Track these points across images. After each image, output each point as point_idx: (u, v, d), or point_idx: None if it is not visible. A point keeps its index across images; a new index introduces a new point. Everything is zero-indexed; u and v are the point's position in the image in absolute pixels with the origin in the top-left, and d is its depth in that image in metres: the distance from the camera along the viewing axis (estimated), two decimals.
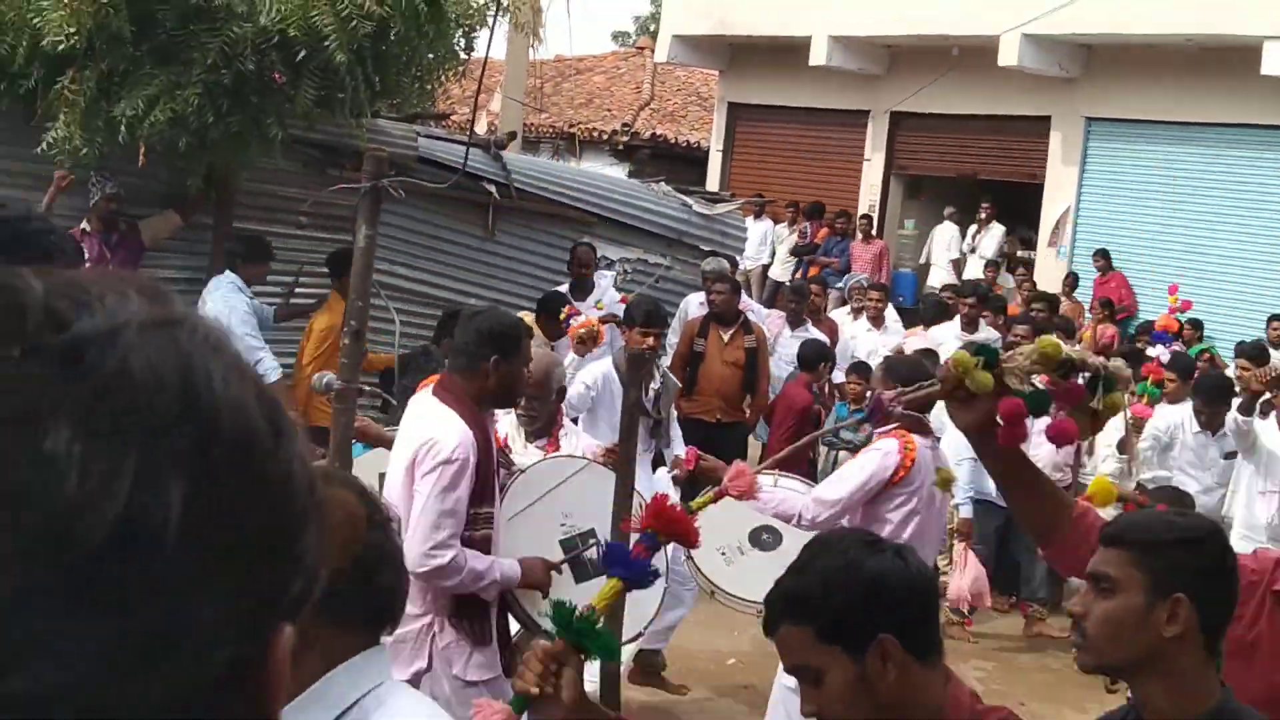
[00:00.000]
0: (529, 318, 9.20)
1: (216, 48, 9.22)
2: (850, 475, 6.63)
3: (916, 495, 6.48)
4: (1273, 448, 9.11)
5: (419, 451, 4.85)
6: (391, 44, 9.85)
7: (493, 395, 5.16)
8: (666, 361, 9.78)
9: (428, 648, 4.96)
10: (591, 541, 5.47)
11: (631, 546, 3.12)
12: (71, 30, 8.88)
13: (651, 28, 31.35)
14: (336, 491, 2.68)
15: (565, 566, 5.38)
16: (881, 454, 6.47)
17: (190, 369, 0.80)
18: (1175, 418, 10.19)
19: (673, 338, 12.28)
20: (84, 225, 9.98)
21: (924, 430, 6.68)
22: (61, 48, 9.04)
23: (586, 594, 5.23)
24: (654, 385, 8.26)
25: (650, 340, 8.62)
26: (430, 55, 10.54)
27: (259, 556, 0.81)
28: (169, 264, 10.89)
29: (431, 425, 4.97)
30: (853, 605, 2.49)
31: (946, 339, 12.48)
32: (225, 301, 9.94)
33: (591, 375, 8.67)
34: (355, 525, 2.38)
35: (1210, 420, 9.87)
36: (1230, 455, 9.75)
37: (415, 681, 4.86)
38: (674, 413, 8.95)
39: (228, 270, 10.37)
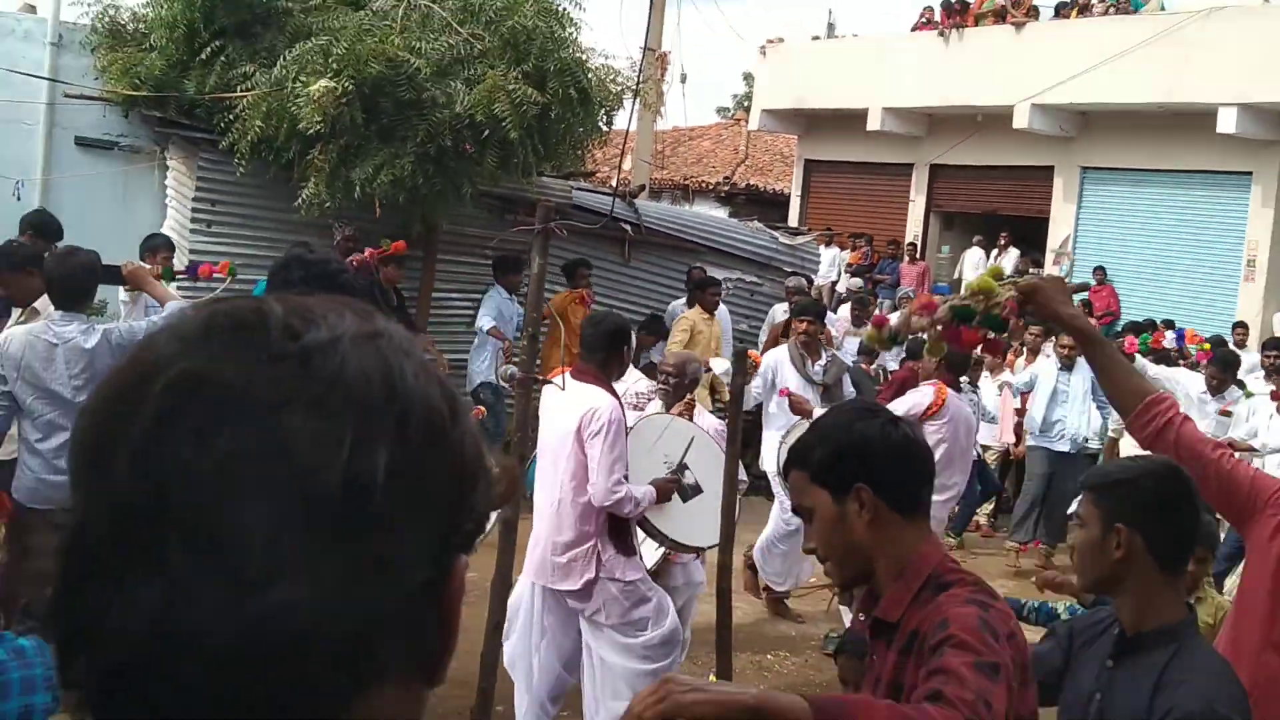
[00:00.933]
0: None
1: (424, 129, 9.43)
2: (896, 407, 6.79)
3: (946, 429, 6.78)
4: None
5: (584, 419, 4.96)
6: (552, 122, 9.98)
7: (615, 375, 5.40)
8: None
9: (594, 562, 5.08)
10: (687, 473, 5.56)
11: None
12: (318, 119, 9.13)
13: (746, 104, 31.24)
14: (501, 457, 2.88)
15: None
16: (919, 394, 6.77)
17: (389, 369, 0.83)
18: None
19: (762, 336, 12.38)
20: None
21: (957, 385, 7.04)
22: (311, 130, 9.30)
23: (688, 511, 5.42)
24: (821, 361, 8.33)
25: (805, 326, 8.52)
26: (580, 129, 10.67)
27: (443, 504, 0.84)
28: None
29: (587, 399, 5.07)
30: (838, 455, 2.39)
31: None
32: (487, 303, 10.71)
33: (764, 362, 8.57)
34: (514, 481, 2.41)
35: (1218, 387, 9.75)
36: (1224, 414, 9.54)
37: (588, 589, 5.07)
38: (845, 382, 8.73)
39: (495, 283, 10.87)
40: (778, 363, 8.45)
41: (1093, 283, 17.65)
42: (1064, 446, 10.25)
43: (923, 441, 2.55)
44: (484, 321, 10.68)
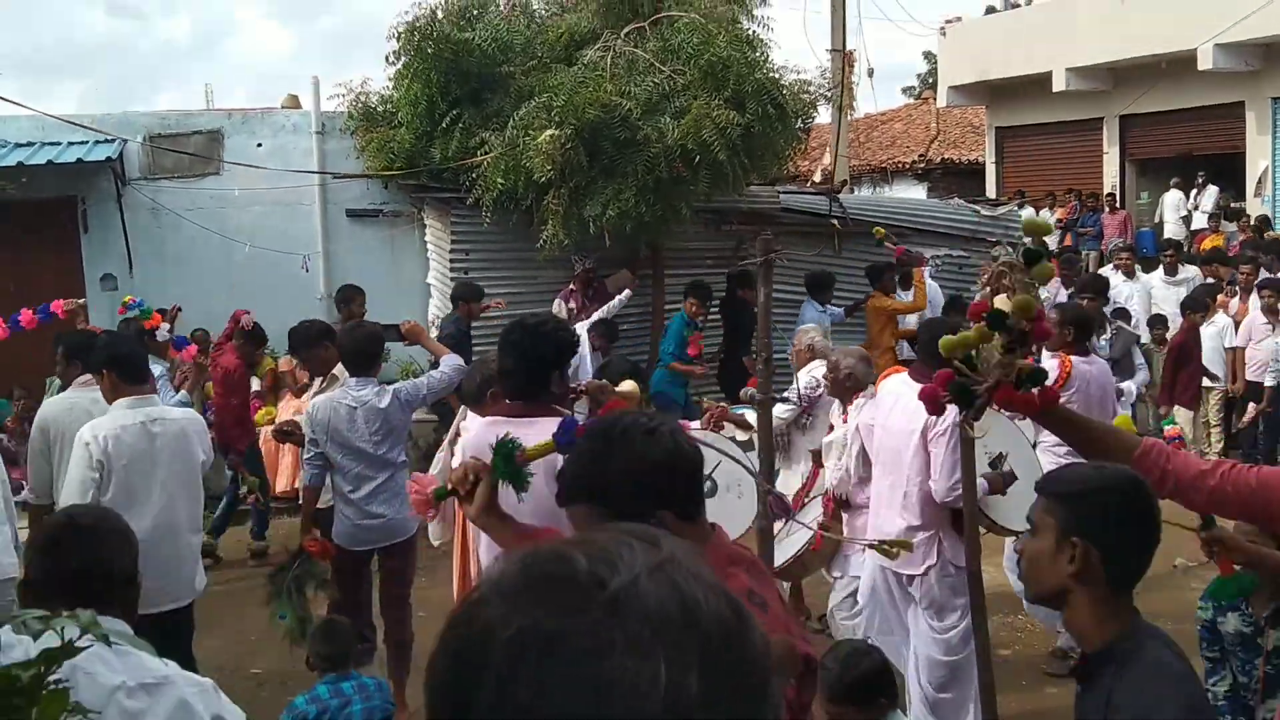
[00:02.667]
0: None
1: (642, 163, 9.52)
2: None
3: (1076, 397, 6.10)
4: None
5: (928, 420, 4.87)
6: (754, 138, 9.92)
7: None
8: None
9: (936, 548, 5.04)
10: (1003, 463, 5.34)
11: None
12: (549, 168, 9.34)
13: (931, 82, 30.29)
14: (779, 639, 2.81)
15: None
16: (1052, 367, 6.28)
17: (684, 596, 0.85)
18: None
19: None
20: (571, 286, 10.47)
21: (1085, 352, 6.43)
22: (543, 178, 9.52)
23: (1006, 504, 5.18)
24: (1106, 336, 8.00)
25: (1085, 302, 8.01)
26: (781, 141, 10.56)
27: (748, 705, 0.86)
28: (630, 304, 11.25)
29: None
30: (625, 485, 2.18)
31: (1154, 282, 11.74)
32: (808, 315, 10.42)
33: None
34: (794, 660, 2.25)
35: None
36: None
37: (926, 573, 5.05)
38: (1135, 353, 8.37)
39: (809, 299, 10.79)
40: None
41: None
42: None
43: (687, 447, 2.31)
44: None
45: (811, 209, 12.42)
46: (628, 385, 5.18)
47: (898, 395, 5.22)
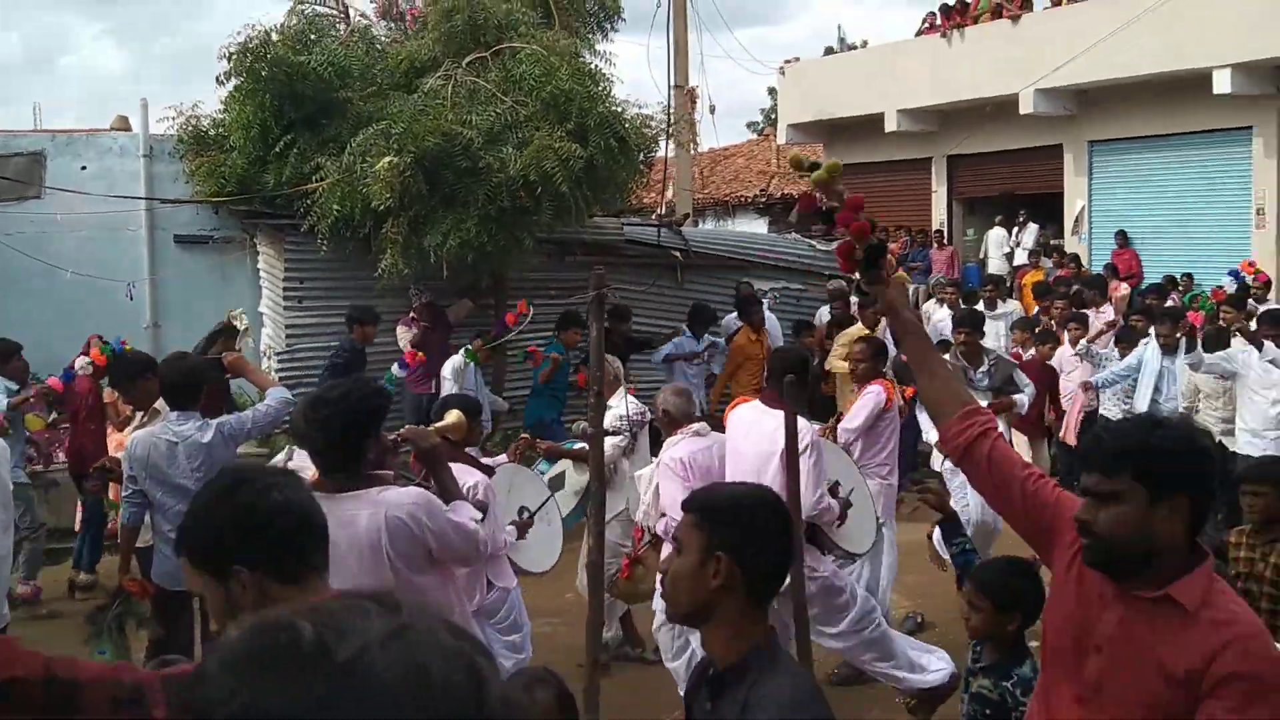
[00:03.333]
0: None
1: (483, 193, 9.44)
2: (861, 408, 6.67)
3: (895, 420, 6.68)
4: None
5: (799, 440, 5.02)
6: (597, 171, 9.95)
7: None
8: None
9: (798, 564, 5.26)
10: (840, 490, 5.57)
11: None
12: (387, 195, 9.18)
13: (773, 119, 31.05)
14: (539, 697, 2.86)
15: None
16: (875, 394, 6.51)
17: (416, 666, 0.82)
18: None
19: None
20: (412, 314, 10.31)
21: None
22: (382, 206, 9.34)
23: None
24: (984, 367, 7.99)
25: (962, 337, 8.25)
26: (624, 173, 10.62)
27: None
28: (469, 333, 11.11)
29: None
30: (207, 537, 2.16)
31: (933, 313, 12.33)
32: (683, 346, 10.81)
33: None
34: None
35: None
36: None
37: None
38: (1017, 372, 8.38)
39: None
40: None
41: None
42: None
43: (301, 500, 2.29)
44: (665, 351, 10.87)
45: (654, 241, 12.55)
46: (452, 416, 5.09)
47: (751, 422, 5.33)
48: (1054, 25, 17.78)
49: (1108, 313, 11.78)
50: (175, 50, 74.65)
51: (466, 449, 5.31)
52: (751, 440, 5.35)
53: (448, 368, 9.76)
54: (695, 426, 5.79)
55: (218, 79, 10.54)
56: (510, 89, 9.92)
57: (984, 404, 7.06)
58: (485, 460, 5.91)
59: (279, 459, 4.75)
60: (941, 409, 2.85)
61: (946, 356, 8.21)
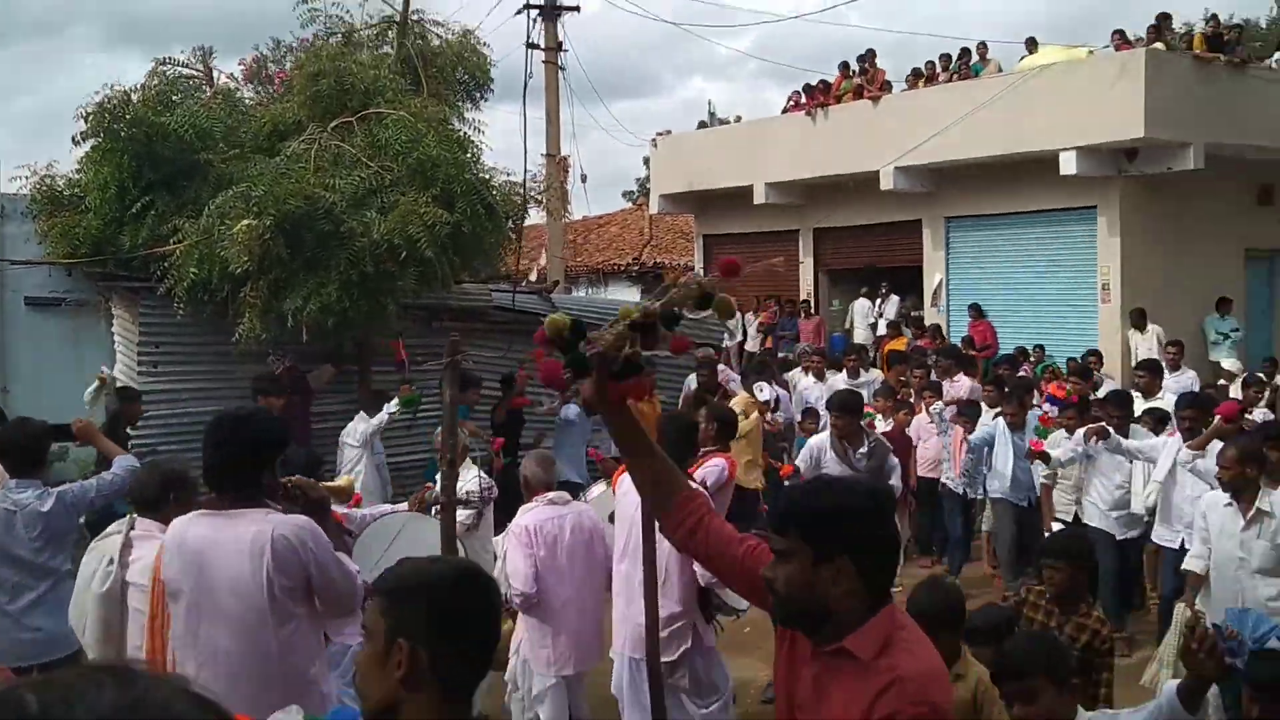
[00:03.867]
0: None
1: (346, 258, 9.37)
2: (712, 473, 6.54)
3: (728, 498, 6.57)
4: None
5: None
6: (464, 237, 9.98)
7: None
8: None
9: (691, 632, 5.38)
10: None
11: None
12: (246, 259, 9.05)
13: (647, 189, 31.57)
14: None
15: None
16: (720, 467, 6.50)
17: None
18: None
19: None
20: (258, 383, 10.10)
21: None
22: (240, 269, 9.20)
23: None
24: (863, 449, 7.96)
25: (838, 421, 8.08)
26: (491, 240, 10.66)
27: None
28: (332, 400, 10.99)
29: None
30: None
31: (839, 384, 12.48)
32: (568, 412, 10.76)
33: (809, 446, 8.42)
34: None
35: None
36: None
37: (683, 657, 5.35)
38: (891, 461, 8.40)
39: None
40: (820, 449, 8.25)
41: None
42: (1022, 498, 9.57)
43: None
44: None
45: (524, 308, 12.59)
46: (343, 480, 5.06)
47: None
48: (911, 106, 18.53)
49: (961, 382, 12.19)
50: (28, 109, 72.54)
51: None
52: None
53: (354, 434, 9.64)
54: (551, 495, 5.78)
55: (74, 139, 10.34)
56: (376, 154, 9.92)
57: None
58: (384, 506, 5.90)
59: (115, 527, 4.59)
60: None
61: (825, 436, 8.33)
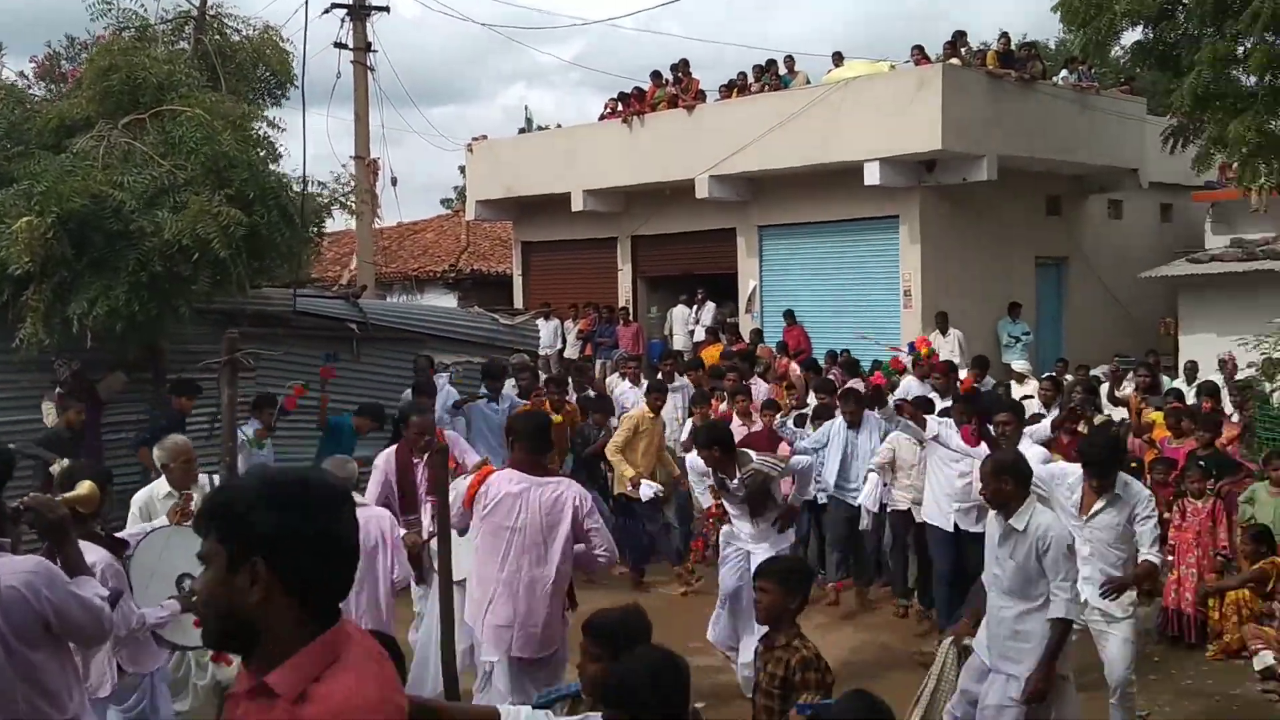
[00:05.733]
0: None
1: (135, 258, 9.04)
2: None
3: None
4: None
5: (577, 504, 5.55)
6: (262, 240, 9.72)
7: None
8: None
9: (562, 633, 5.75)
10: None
11: None
12: (27, 260, 8.63)
13: (465, 196, 31.36)
14: None
15: None
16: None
17: None
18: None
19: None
20: (59, 389, 9.64)
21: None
22: (20, 271, 8.77)
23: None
24: (740, 476, 7.38)
25: (706, 454, 7.47)
26: (291, 244, 10.37)
27: None
28: (124, 409, 10.54)
29: (563, 488, 5.64)
30: None
31: (618, 387, 12.75)
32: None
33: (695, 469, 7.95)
34: None
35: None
36: None
37: (555, 653, 5.60)
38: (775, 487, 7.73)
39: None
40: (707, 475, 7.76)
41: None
42: (857, 499, 9.73)
43: None
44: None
45: (329, 313, 12.34)
46: (84, 488, 4.81)
47: (518, 494, 5.44)
48: (725, 116, 18.96)
49: (758, 384, 12.54)
50: None
51: (94, 521, 5.03)
52: (530, 514, 5.43)
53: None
54: (356, 497, 5.73)
55: None
56: (169, 152, 9.57)
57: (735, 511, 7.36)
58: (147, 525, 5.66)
59: None
60: None
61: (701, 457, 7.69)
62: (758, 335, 18.18)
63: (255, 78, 11.35)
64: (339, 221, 11.54)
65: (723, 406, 12.25)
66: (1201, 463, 9.61)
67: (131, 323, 9.16)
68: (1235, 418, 11.93)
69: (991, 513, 5.74)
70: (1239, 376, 13.61)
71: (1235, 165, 14.60)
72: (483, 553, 5.55)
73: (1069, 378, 14.45)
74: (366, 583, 5.59)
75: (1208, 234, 19.67)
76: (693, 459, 7.97)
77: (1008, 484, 5.51)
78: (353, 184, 13.50)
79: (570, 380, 13.63)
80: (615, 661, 3.65)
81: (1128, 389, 13.80)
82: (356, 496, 5.81)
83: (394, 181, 19.61)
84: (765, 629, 4.74)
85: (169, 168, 9.45)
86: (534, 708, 3.81)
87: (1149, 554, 6.29)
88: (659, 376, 13.47)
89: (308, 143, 17.17)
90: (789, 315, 18.60)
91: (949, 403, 10.20)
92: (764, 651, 4.54)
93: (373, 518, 5.74)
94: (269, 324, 11.10)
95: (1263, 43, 12.80)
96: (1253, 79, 13.35)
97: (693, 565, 10.13)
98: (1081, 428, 10.59)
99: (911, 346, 15.16)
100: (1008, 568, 5.52)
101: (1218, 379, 13.68)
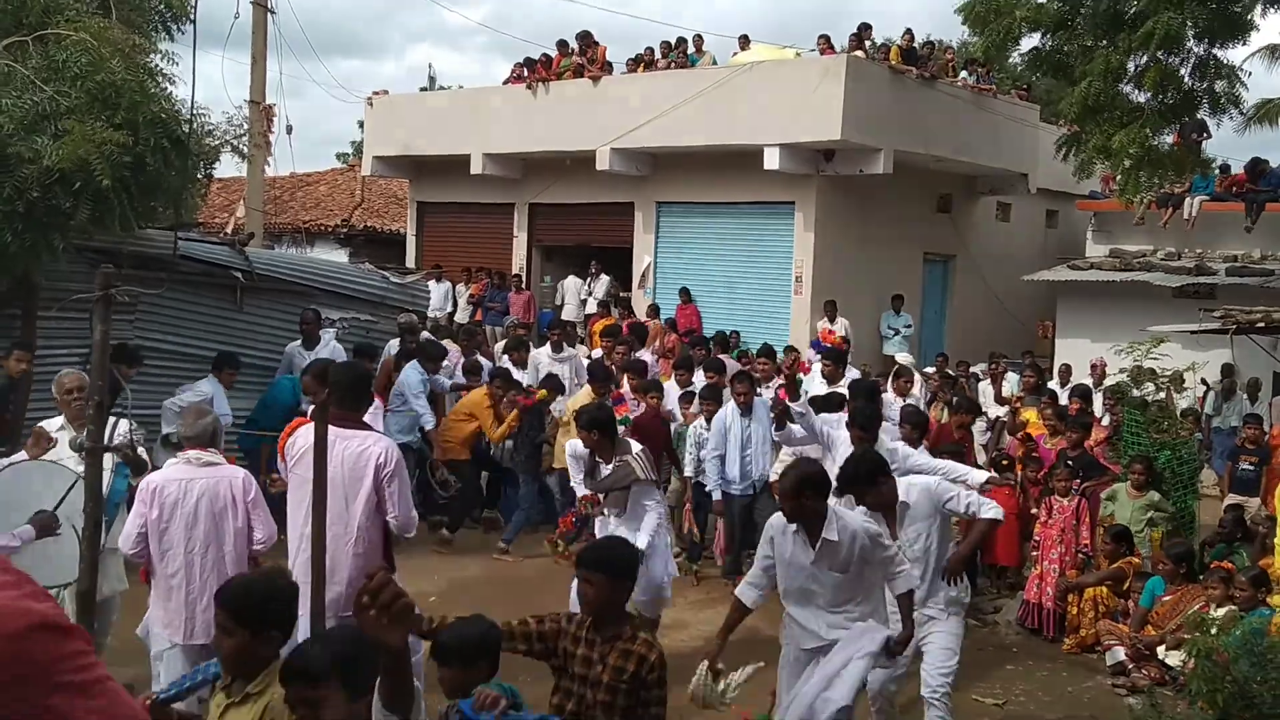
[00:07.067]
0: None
1: (10, 185, 8.57)
2: None
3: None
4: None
5: (379, 460, 5.42)
6: (148, 175, 9.31)
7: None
8: None
9: None
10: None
11: None
12: None
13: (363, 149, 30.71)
14: None
15: None
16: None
17: None
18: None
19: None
20: None
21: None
22: None
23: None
24: (611, 464, 7.13)
25: (584, 436, 7.22)
26: (177, 180, 9.97)
27: None
28: None
29: (369, 441, 5.48)
30: None
31: (542, 358, 12.64)
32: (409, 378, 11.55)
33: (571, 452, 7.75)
34: None
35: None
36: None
37: None
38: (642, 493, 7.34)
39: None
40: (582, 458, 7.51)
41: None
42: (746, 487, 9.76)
43: None
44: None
45: (214, 259, 11.92)
46: None
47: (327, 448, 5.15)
48: (630, 90, 18.88)
49: (644, 355, 12.61)
50: None
51: None
52: (334, 467, 5.00)
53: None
54: (192, 454, 5.51)
55: None
56: (52, 78, 9.09)
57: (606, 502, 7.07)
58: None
59: None
60: None
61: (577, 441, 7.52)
62: (654, 310, 18.18)
63: (148, 9, 10.86)
64: (229, 166, 11.13)
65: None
66: (1069, 462, 9.92)
67: (3, 252, 8.71)
68: (1106, 420, 12.33)
69: (791, 532, 5.34)
70: (1107, 382, 14.06)
71: (1118, 177, 15.06)
72: (291, 505, 5.52)
73: (950, 372, 14.79)
74: (212, 544, 5.40)
75: (1089, 243, 20.30)
76: (573, 442, 7.71)
77: (809, 499, 5.20)
78: (246, 127, 13.03)
79: (459, 345, 13.45)
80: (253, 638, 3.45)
81: (1008, 388, 14.18)
82: (212, 455, 5.57)
83: (289, 130, 19.13)
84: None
85: (51, 93, 8.97)
86: (169, 697, 3.69)
87: (985, 513, 5.92)
88: (561, 344, 13.20)
89: (200, 87, 16.56)
90: (684, 293, 18.65)
91: (836, 388, 10.35)
92: (600, 643, 4.08)
93: (224, 478, 5.51)
94: (149, 266, 10.65)
95: (1157, 62, 13.19)
96: (1144, 95, 13.75)
97: (558, 539, 10.06)
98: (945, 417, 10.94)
99: (818, 342, 15.36)
100: (829, 581, 5.31)
101: (1089, 383, 14.14)
